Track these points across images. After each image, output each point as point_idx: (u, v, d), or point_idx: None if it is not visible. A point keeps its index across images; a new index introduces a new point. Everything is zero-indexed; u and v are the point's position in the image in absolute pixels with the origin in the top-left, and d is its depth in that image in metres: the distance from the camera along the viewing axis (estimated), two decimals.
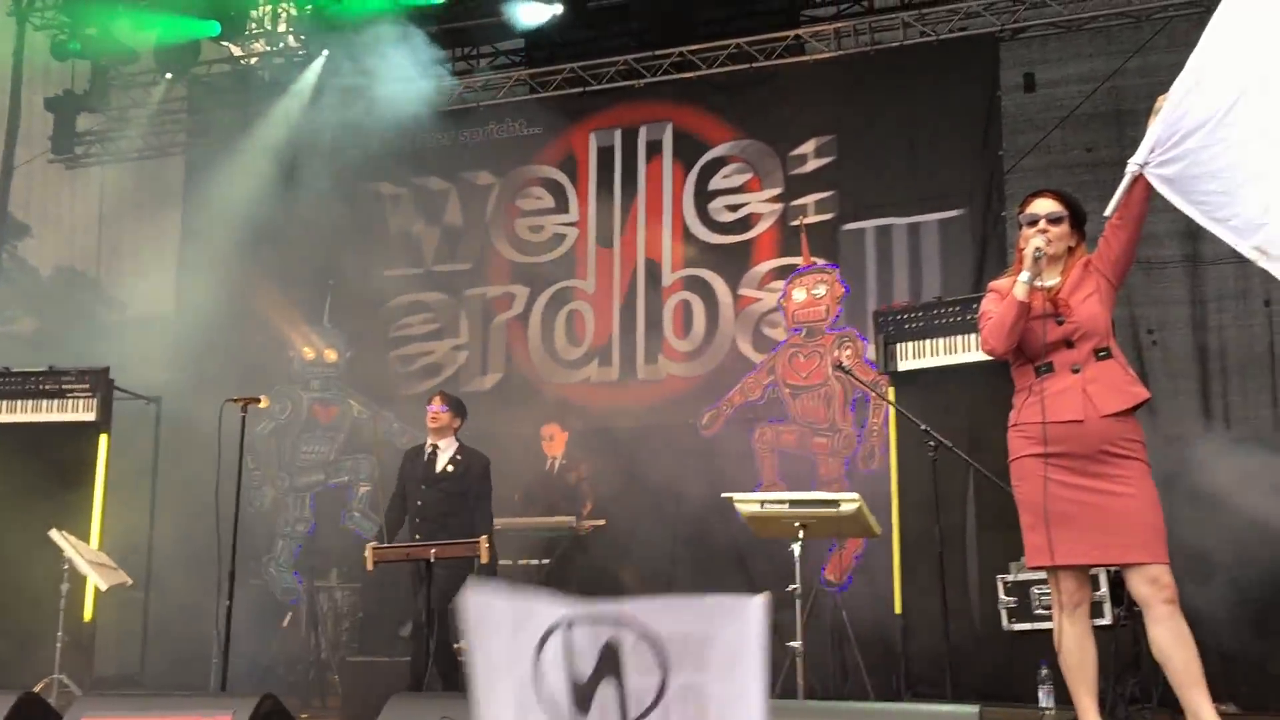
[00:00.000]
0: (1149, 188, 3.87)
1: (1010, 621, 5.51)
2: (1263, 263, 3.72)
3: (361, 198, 9.90)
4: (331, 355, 9.28)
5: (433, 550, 5.62)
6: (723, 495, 5.54)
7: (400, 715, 4.31)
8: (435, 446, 6.48)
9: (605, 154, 9.44)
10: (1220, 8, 3.82)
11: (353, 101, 10.06)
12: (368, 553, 5.84)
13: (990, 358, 4.17)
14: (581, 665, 1.94)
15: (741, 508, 5.34)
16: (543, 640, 1.98)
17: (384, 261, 9.76)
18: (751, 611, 1.87)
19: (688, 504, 8.29)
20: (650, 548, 8.35)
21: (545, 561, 7.76)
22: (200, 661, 7.82)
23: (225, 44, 10.13)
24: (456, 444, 6.51)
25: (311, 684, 7.66)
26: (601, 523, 7.84)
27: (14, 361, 8.45)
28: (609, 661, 1.93)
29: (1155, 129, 3.84)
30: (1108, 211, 3.94)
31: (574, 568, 7.86)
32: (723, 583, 8.14)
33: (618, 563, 8.41)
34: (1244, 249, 3.73)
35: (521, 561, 7.76)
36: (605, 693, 1.92)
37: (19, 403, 8.14)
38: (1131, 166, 3.87)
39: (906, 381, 7.06)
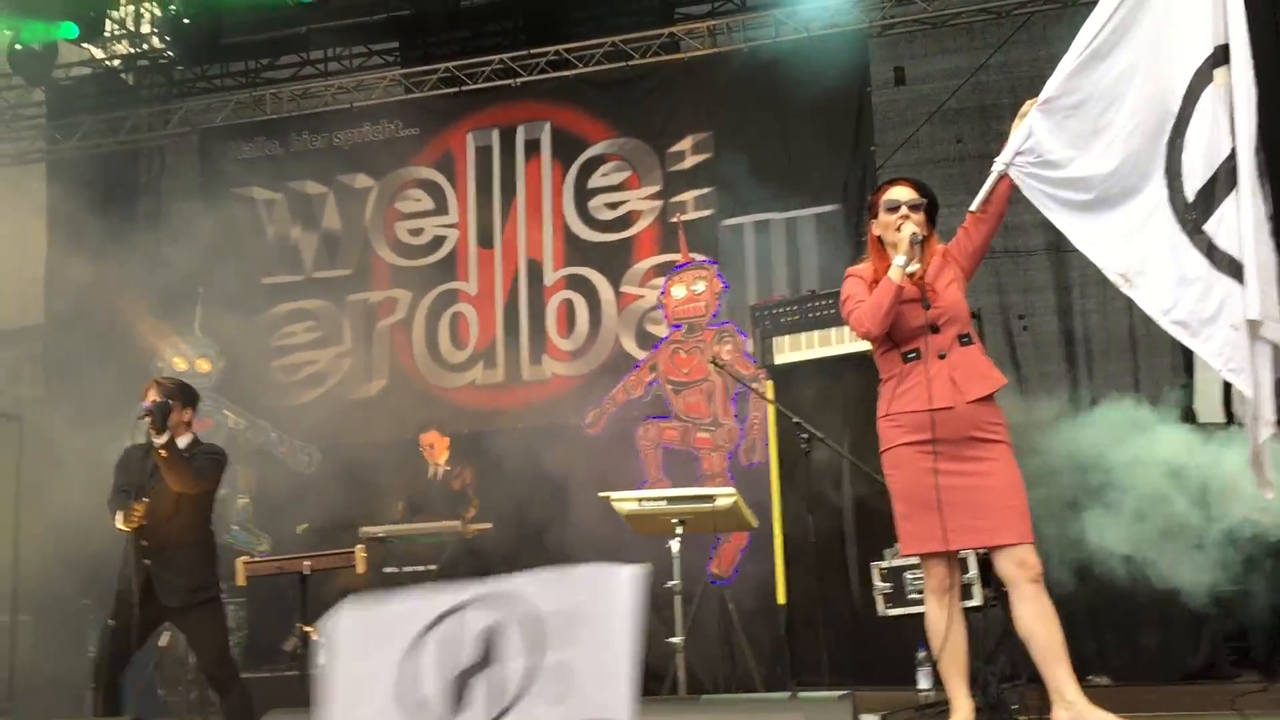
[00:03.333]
0: (1013, 186, 4.00)
1: (886, 607, 5.61)
2: (1126, 289, 3.86)
3: (235, 203, 9.66)
4: (204, 365, 9.04)
5: (307, 563, 5.50)
6: (600, 495, 5.54)
7: None
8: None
9: (483, 154, 9.36)
10: (1096, 10, 3.92)
11: (223, 104, 9.84)
12: (238, 566, 5.70)
13: (865, 346, 4.23)
14: (463, 656, 1.91)
15: (619, 506, 5.36)
16: (419, 637, 1.95)
17: (262, 269, 9.55)
18: (624, 581, 1.87)
19: (574, 503, 8.27)
20: (537, 549, 8.29)
21: (431, 568, 7.67)
22: (74, 688, 7.55)
23: (85, 46, 9.79)
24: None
25: (192, 703, 7.45)
26: (487, 526, 7.77)
27: None
28: (490, 647, 1.91)
29: (1021, 131, 3.97)
30: (974, 205, 4.05)
31: (461, 572, 7.77)
32: None
33: (504, 565, 8.35)
34: (1109, 272, 3.88)
35: (408, 569, 7.67)
36: (480, 684, 1.89)
37: None
38: (998, 165, 4.00)
39: (784, 375, 7.12)
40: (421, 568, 7.70)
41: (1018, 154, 3.96)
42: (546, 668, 1.91)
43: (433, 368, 9.18)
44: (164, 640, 8.28)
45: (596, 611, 1.95)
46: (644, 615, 1.90)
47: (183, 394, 5.31)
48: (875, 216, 4.22)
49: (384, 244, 9.48)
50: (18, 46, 9.14)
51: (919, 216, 4.12)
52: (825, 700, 3.12)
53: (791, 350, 7.09)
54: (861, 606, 6.44)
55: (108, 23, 9.60)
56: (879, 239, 4.19)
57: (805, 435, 5.61)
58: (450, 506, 7.87)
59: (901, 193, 4.17)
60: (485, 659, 1.95)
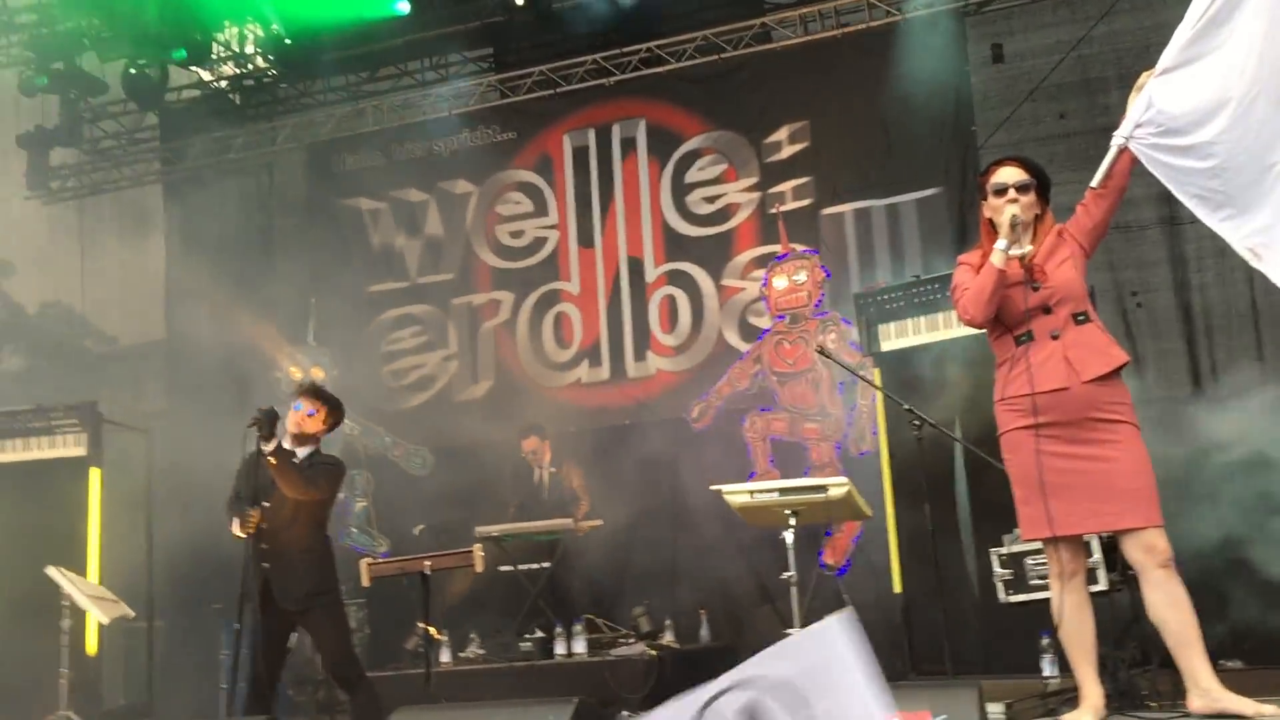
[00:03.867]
0: (1134, 160, 3.90)
1: (1007, 594, 5.50)
2: (1254, 263, 3.74)
3: (342, 214, 9.91)
4: (319, 374, 9.27)
5: (427, 563, 5.61)
6: (711, 488, 5.55)
7: None
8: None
9: (580, 154, 9.44)
10: None
11: (327, 119, 10.09)
12: (363, 568, 5.83)
13: (973, 331, 4.17)
14: None
15: (731, 499, 5.35)
16: None
17: (369, 277, 9.78)
18: (838, 629, 2.04)
19: (684, 497, 8.31)
20: (650, 544, 8.36)
21: (546, 565, 7.77)
22: (209, 688, 7.82)
23: (193, 69, 10.12)
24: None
25: (321, 702, 7.66)
26: (599, 523, 7.84)
27: (3, 400, 8.45)
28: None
29: (1139, 103, 3.86)
30: (1095, 181, 3.95)
31: (574, 569, 7.87)
32: (724, 573, 8.16)
33: (618, 562, 8.42)
34: (1237, 245, 3.76)
35: (523, 567, 7.77)
36: None
37: (7, 441, 8.15)
38: (1117, 139, 3.89)
39: (891, 361, 7.06)
40: (536, 565, 7.80)
41: (1138, 126, 3.85)
42: (817, 718, 2.01)
43: (538, 368, 9.29)
44: (290, 641, 8.55)
45: (838, 664, 2.03)
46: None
47: (333, 409, 5.47)
48: (985, 199, 4.15)
49: (485, 247, 9.62)
50: (131, 72, 9.47)
51: (1028, 197, 4.04)
52: (950, 688, 3.07)
53: (898, 336, 7.02)
54: (981, 594, 6.34)
55: (214, 45, 9.89)
56: (990, 222, 4.11)
57: (917, 422, 5.54)
58: (561, 505, 7.95)
59: (1008, 174, 4.08)
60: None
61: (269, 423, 5.07)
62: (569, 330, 9.26)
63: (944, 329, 6.76)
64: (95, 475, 8.04)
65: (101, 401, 8.43)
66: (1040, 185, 4.09)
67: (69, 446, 8.10)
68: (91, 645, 7.68)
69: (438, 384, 9.55)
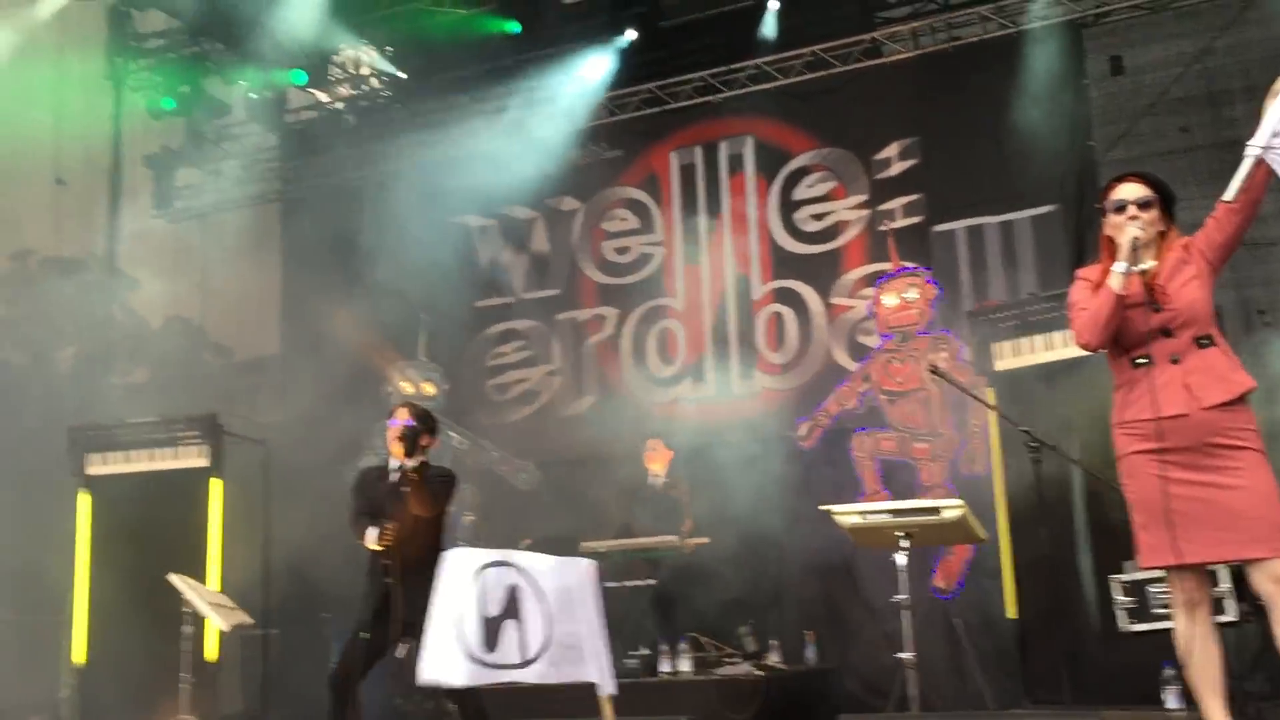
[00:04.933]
0: (1270, 173, 3.74)
1: (1129, 622, 5.34)
2: None
3: (451, 231, 10.08)
4: (429, 389, 9.44)
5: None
6: (820, 508, 5.48)
7: None
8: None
9: (687, 171, 9.47)
10: None
11: (439, 138, 10.28)
12: None
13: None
14: (492, 605, 2.49)
15: (841, 520, 5.29)
16: (471, 580, 2.52)
17: (475, 293, 9.93)
18: (586, 572, 2.61)
19: (790, 517, 8.23)
20: (755, 563, 8.30)
21: (651, 582, 7.75)
22: (321, 697, 7.96)
23: (311, 91, 10.41)
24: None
25: (429, 712, 7.75)
26: (705, 540, 7.81)
27: (129, 412, 8.77)
28: (515, 604, 2.46)
29: (1274, 112, 3.70)
30: (1228, 195, 3.78)
31: (680, 586, 7.84)
32: (830, 594, 8.06)
33: (723, 580, 8.37)
34: None
35: (629, 583, 7.76)
36: (508, 633, 2.45)
37: (134, 452, 8.45)
38: (1252, 150, 3.72)
39: (1006, 381, 6.91)
40: (641, 583, 7.79)
41: (1275, 135, 3.70)
42: (558, 637, 2.46)
43: (641, 383, 9.32)
44: (401, 651, 8.68)
45: (579, 597, 2.50)
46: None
47: (428, 420, 5.45)
48: (1105, 216, 4.02)
49: (591, 263, 9.69)
50: (252, 95, 9.79)
51: (1149, 214, 3.90)
52: (1069, 718, 2.98)
53: (1013, 356, 6.87)
54: (1100, 622, 6.15)
55: (331, 68, 10.16)
56: (1111, 240, 3.99)
57: (1035, 444, 5.41)
58: (666, 521, 7.92)
59: (1129, 190, 3.94)
60: (511, 613, 2.48)
61: (413, 438, 5.09)
62: (673, 346, 9.27)
63: (1060, 348, 6.59)
64: (217, 486, 8.28)
65: (219, 414, 8.69)
66: (1163, 201, 3.95)
67: (192, 458, 8.37)
68: (211, 652, 7.90)
69: (541, 398, 9.64)
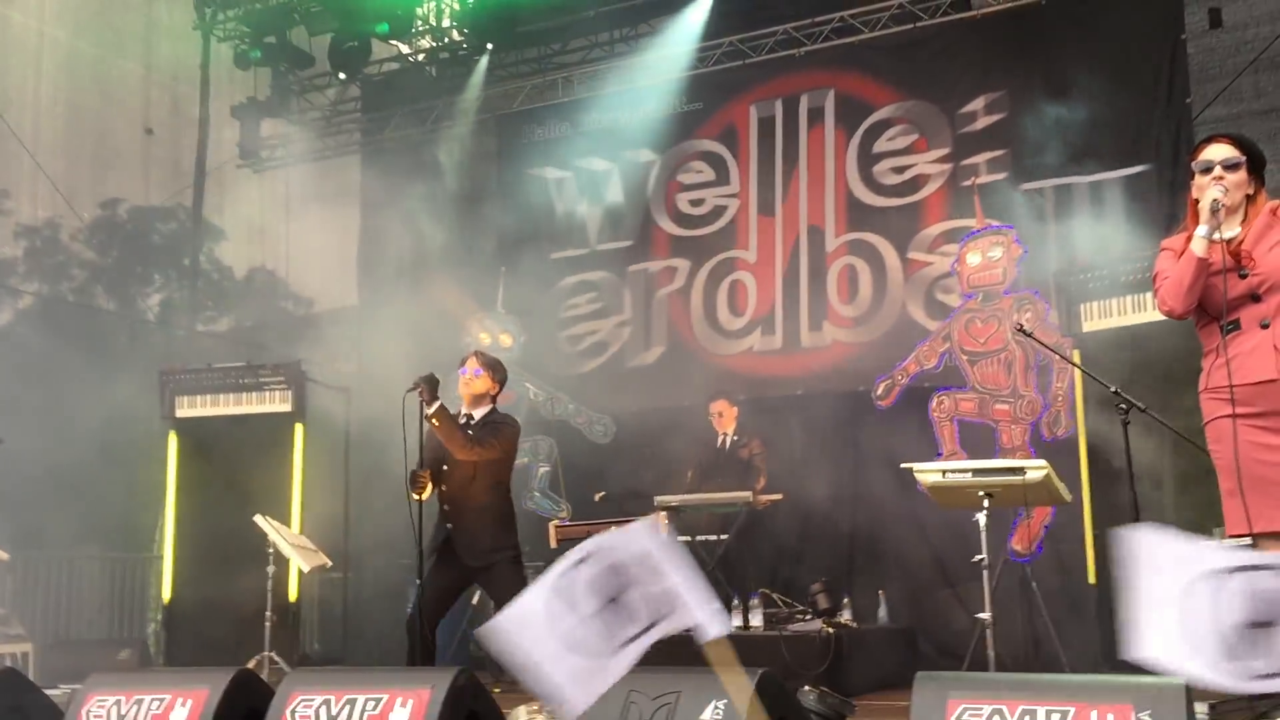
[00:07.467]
0: None
1: None
2: None
3: (529, 183, 10.11)
4: (507, 340, 9.50)
5: (614, 528, 5.67)
6: (902, 465, 5.44)
7: None
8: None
9: (766, 124, 9.37)
10: None
11: (518, 90, 10.29)
12: (551, 530, 5.95)
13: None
14: (605, 589, 2.58)
15: (923, 478, 5.24)
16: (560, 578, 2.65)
17: (551, 244, 9.95)
18: (647, 532, 2.58)
19: (864, 474, 8.20)
20: (829, 521, 8.28)
21: (723, 537, 7.77)
22: (397, 640, 8.13)
23: (394, 43, 10.46)
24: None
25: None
26: (779, 497, 7.79)
27: (214, 358, 8.96)
28: (620, 580, 2.57)
29: None
30: None
31: (751, 543, 7.85)
32: (904, 554, 8.02)
33: (796, 536, 8.38)
34: None
35: (700, 538, 7.79)
36: (627, 604, 2.55)
37: (221, 396, 8.65)
38: None
39: (1093, 343, 6.78)
40: (713, 537, 7.81)
41: None
42: (661, 593, 2.52)
43: (710, 335, 9.30)
44: (476, 599, 8.83)
45: (657, 555, 2.54)
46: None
47: (495, 369, 5.56)
48: (1192, 178, 3.91)
49: (664, 215, 9.67)
50: (337, 46, 9.86)
51: (1236, 176, 3.78)
52: (1157, 685, 2.94)
53: (1101, 317, 6.73)
54: None
55: (414, 20, 10.19)
56: (1196, 203, 3.88)
57: (1124, 406, 5.30)
58: (738, 476, 7.92)
59: (1216, 151, 3.82)
60: (624, 586, 2.56)
61: (431, 386, 5.18)
62: (743, 298, 9.22)
63: (1150, 310, 6.43)
64: (299, 430, 8.46)
65: (302, 360, 8.85)
66: (1252, 163, 3.83)
67: (276, 403, 8.54)
68: (293, 592, 8.09)
69: (610, 349, 9.66)
